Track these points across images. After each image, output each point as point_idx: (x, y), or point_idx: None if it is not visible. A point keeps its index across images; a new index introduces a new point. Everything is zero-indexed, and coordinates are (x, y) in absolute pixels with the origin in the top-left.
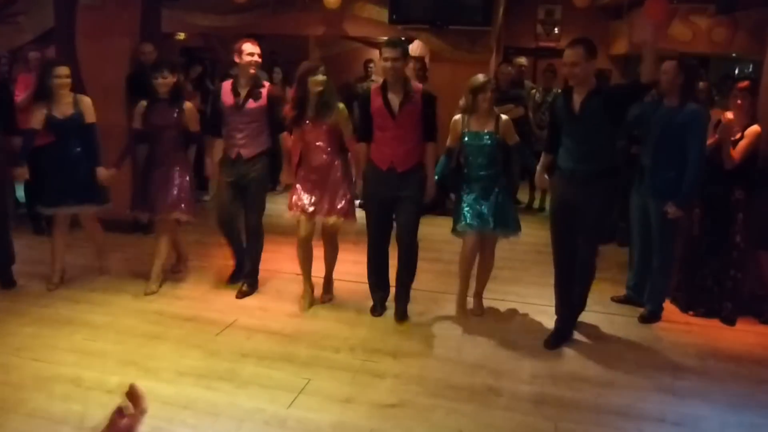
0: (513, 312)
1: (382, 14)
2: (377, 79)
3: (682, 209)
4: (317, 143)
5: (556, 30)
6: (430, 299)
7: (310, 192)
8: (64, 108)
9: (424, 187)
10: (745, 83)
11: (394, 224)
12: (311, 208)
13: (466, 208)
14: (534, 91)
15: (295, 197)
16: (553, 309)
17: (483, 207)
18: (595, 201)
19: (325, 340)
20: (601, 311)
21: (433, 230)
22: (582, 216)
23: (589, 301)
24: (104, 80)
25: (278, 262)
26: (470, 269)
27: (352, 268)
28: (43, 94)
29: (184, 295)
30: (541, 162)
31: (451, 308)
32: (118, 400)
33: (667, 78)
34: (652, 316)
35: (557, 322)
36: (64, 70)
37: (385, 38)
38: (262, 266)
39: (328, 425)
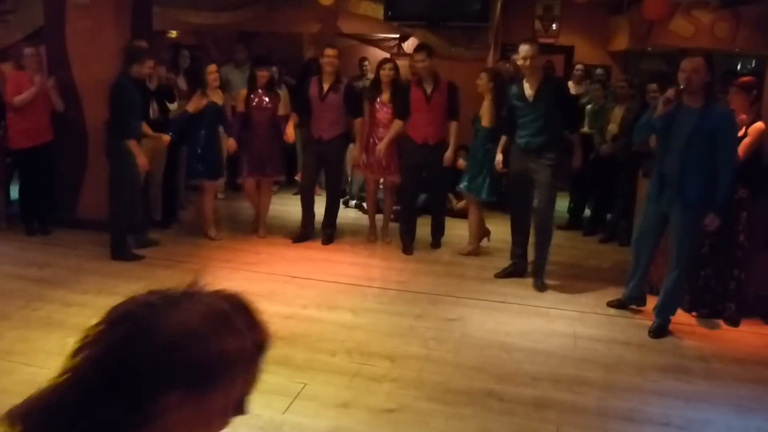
0: (512, 314)
1: (378, 11)
2: (371, 77)
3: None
4: (384, 120)
5: (554, 26)
6: (428, 301)
7: (376, 157)
8: (214, 98)
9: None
10: (744, 79)
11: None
12: (378, 168)
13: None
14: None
15: (364, 159)
16: (553, 310)
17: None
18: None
19: (321, 343)
20: (602, 312)
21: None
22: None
23: (590, 302)
24: (95, 78)
25: (272, 264)
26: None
27: (348, 269)
28: (201, 86)
29: None
30: None
31: (449, 310)
32: None
33: (699, 77)
34: (661, 330)
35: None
36: (213, 67)
37: (381, 36)
38: (256, 268)
39: (325, 431)
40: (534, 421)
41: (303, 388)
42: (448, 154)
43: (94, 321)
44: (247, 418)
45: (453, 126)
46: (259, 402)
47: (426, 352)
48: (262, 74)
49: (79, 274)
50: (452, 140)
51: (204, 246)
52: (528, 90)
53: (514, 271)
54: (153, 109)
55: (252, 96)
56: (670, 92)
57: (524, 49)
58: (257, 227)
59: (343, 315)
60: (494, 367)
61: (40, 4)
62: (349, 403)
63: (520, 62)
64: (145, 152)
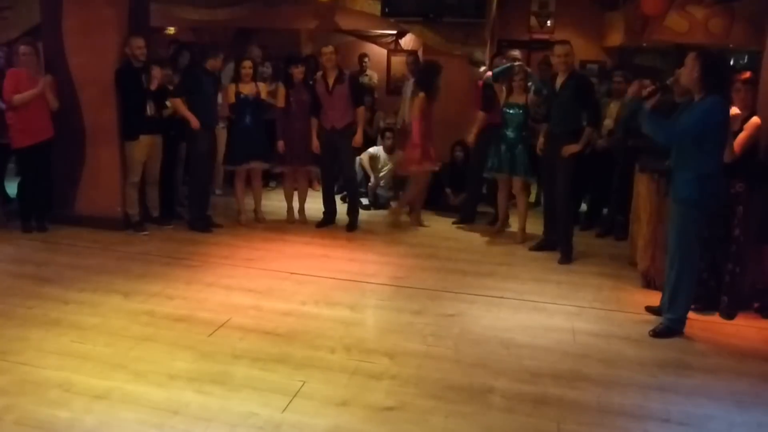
0: (511, 309)
1: (375, 7)
2: (371, 74)
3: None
4: (431, 116)
5: (549, 22)
6: (426, 297)
7: (425, 150)
8: (248, 89)
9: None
10: (746, 74)
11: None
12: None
13: (497, 158)
14: (529, 83)
15: (419, 154)
16: (551, 305)
17: (510, 157)
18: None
19: (319, 340)
20: (600, 307)
21: (429, 227)
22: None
23: (588, 296)
24: (92, 75)
25: (271, 260)
26: (505, 204)
27: (346, 265)
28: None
29: (177, 295)
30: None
31: (448, 305)
32: (106, 405)
33: (685, 72)
34: (666, 331)
35: None
36: (249, 63)
37: (378, 32)
38: (254, 264)
39: (324, 430)
40: (534, 418)
41: (302, 386)
42: (471, 138)
43: (91, 320)
44: (246, 417)
45: (482, 115)
46: (257, 400)
47: (425, 348)
48: (298, 71)
49: (76, 271)
50: (476, 126)
51: (202, 242)
52: (558, 83)
53: (544, 245)
54: (150, 107)
55: (291, 92)
56: (648, 89)
57: (559, 48)
58: (291, 218)
59: (341, 311)
60: (494, 363)
61: (37, 0)
62: (349, 401)
63: (554, 60)
64: (142, 148)
